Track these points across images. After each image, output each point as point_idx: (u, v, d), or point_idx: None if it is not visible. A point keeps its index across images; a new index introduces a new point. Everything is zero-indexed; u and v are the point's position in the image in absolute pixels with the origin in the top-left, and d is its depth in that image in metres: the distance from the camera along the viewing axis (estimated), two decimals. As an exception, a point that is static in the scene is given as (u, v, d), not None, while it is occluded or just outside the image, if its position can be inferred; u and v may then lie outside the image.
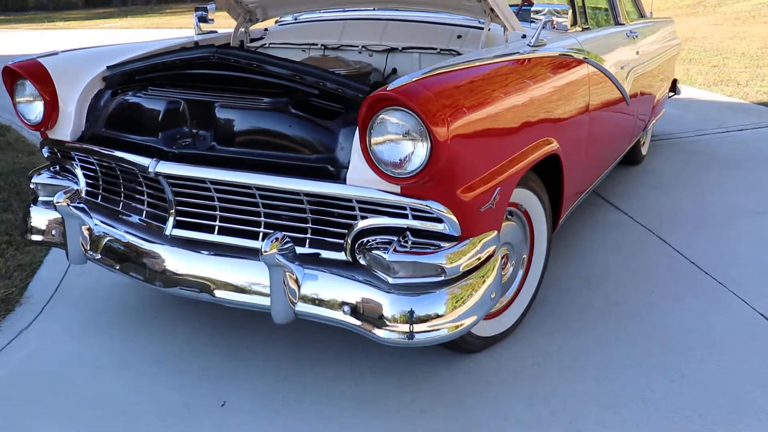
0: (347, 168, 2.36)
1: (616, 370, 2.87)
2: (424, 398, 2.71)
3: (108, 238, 2.83)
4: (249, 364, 2.94)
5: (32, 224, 3.13)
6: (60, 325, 3.28)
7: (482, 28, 3.40)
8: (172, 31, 18.17)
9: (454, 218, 2.30)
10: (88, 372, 2.92)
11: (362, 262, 2.40)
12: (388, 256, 2.28)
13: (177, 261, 2.61)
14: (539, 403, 2.68)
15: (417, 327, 2.31)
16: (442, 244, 2.35)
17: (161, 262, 2.63)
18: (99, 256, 2.85)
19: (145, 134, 2.78)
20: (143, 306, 3.43)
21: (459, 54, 3.33)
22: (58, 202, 2.81)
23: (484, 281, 2.44)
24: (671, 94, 6.19)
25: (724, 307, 3.39)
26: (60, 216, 2.99)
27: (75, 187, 3.07)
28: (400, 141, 2.19)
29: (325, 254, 2.48)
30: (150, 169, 2.55)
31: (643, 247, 4.14)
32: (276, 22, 4.20)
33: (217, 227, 2.60)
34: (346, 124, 2.43)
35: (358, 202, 2.36)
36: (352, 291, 2.38)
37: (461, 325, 2.36)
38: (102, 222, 2.89)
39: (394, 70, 3.53)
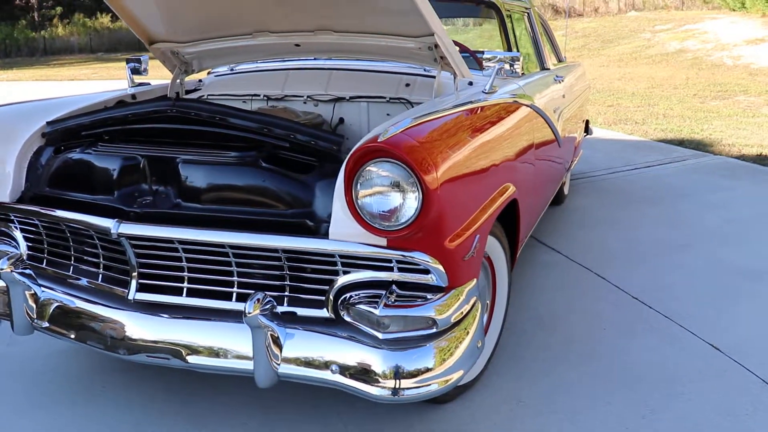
0: (327, 222, 2.30)
1: (587, 410, 2.90)
2: (404, 454, 2.63)
3: (59, 306, 2.63)
4: (215, 430, 2.77)
5: (-35, 293, 2.86)
6: (3, 400, 2.99)
7: (429, 76, 3.44)
8: (62, 83, 17.51)
9: (442, 268, 2.28)
10: (36, 454, 2.67)
11: (346, 318, 2.33)
12: (378, 311, 2.22)
13: (143, 327, 2.44)
14: (519, 449, 2.66)
15: (408, 382, 2.26)
16: (428, 295, 2.32)
17: (125, 328, 2.46)
18: (49, 325, 2.64)
19: (98, 193, 2.62)
20: (88, 374, 3.20)
21: (410, 102, 3.35)
22: (1, 269, 2.58)
23: (468, 332, 2.42)
24: (585, 134, 6.48)
25: (674, 339, 3.51)
26: (2, 284, 2.77)
27: (14, 251, 2.84)
28: (389, 193, 2.16)
29: (305, 312, 2.39)
30: (112, 231, 2.39)
31: (586, 286, 4.25)
32: (208, 73, 4.09)
33: (185, 289, 2.46)
34: (322, 177, 2.38)
35: (341, 256, 2.29)
36: (339, 349, 2.30)
37: (451, 378, 2.33)
38: (50, 288, 2.68)
39: (341, 120, 3.51)
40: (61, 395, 3.03)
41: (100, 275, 2.61)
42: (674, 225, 5.35)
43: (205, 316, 2.45)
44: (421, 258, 2.25)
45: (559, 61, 5.66)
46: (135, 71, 3.70)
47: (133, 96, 3.52)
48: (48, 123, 2.93)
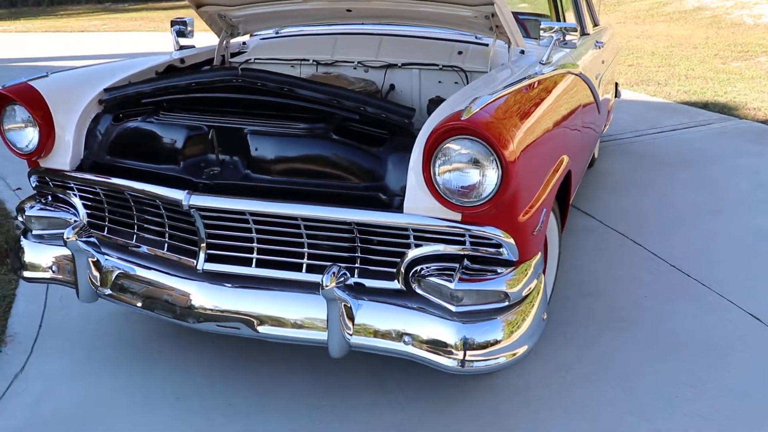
0: (400, 195, 2.32)
1: (636, 377, 2.96)
2: (464, 420, 2.70)
3: (124, 274, 2.66)
4: (276, 396, 2.84)
5: (27, 260, 2.90)
6: (57, 365, 3.06)
7: (481, 44, 3.42)
8: (73, 34, 17.24)
9: (514, 243, 2.30)
10: (103, 415, 2.74)
11: (417, 290, 2.36)
12: (453, 285, 2.26)
13: (213, 297, 2.48)
14: (576, 415, 2.73)
15: (478, 355, 2.31)
16: (499, 269, 2.35)
17: (194, 298, 2.50)
18: (114, 293, 2.68)
19: (162, 162, 2.62)
20: (142, 338, 3.25)
21: (462, 70, 3.33)
22: (68, 238, 2.61)
23: (533, 305, 2.46)
24: (615, 97, 6.43)
25: (713, 308, 3.55)
26: (59, 250, 2.82)
27: (73, 219, 2.87)
28: (469, 169, 2.17)
29: (375, 283, 2.42)
30: (184, 202, 2.40)
31: (623, 252, 4.28)
32: (250, 35, 4.05)
33: (254, 260, 2.49)
34: (394, 150, 2.38)
35: (414, 230, 2.31)
36: (411, 321, 2.34)
37: (518, 351, 2.38)
38: (115, 256, 2.71)
39: (392, 87, 3.49)
40: (121, 359, 3.09)
41: (166, 244, 2.63)
42: (705, 190, 5.35)
43: (273, 286, 2.48)
44: (494, 233, 2.27)
45: (595, 24, 5.59)
46: (180, 34, 3.67)
47: (181, 60, 3.49)
48: (105, 90, 2.92)
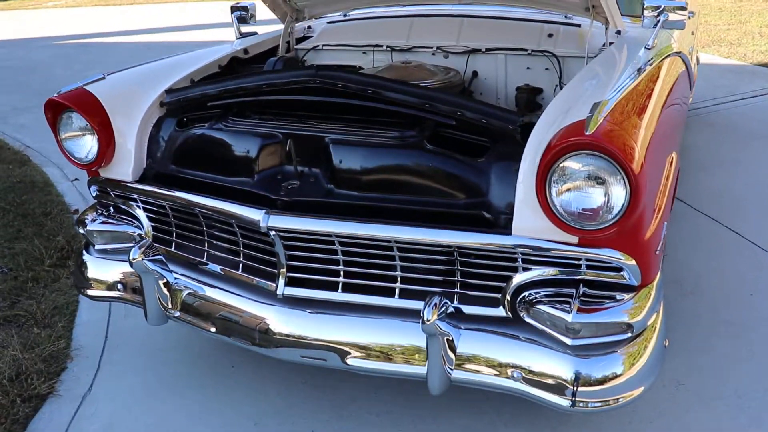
0: (507, 213, 2.04)
1: (754, 394, 2.66)
2: (571, 450, 2.44)
3: (195, 296, 2.45)
4: (361, 422, 2.61)
5: (91, 277, 2.71)
6: (126, 383, 2.89)
7: (572, 24, 3.08)
8: (123, 7, 17.05)
9: (636, 265, 2.01)
10: (180, 446, 2.55)
11: (526, 318, 2.09)
12: (571, 318, 1.98)
13: (296, 324, 2.26)
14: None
15: (595, 392, 2.05)
16: (618, 295, 2.06)
17: (274, 325, 2.27)
18: (185, 316, 2.47)
19: (233, 174, 2.38)
20: (211, 350, 3.06)
21: (554, 56, 2.99)
22: (134, 259, 2.40)
23: (655, 330, 2.17)
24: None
25: (833, 309, 3.21)
26: (125, 267, 2.62)
27: (137, 232, 2.66)
28: (591, 188, 1.87)
29: (476, 310, 2.16)
30: (261, 224, 2.16)
31: (719, 242, 3.92)
32: (315, 19, 3.73)
33: (341, 284, 2.24)
34: (497, 161, 2.10)
35: (523, 253, 2.03)
36: (521, 353, 2.10)
37: (638, 390, 2.09)
38: (184, 275, 2.50)
39: (475, 74, 3.17)
40: (192, 377, 2.91)
41: (240, 264, 2.40)
42: (803, 167, 4.93)
43: (360, 312, 2.24)
44: (615, 256, 1.99)
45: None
46: (242, 20, 3.41)
47: (245, 51, 3.23)
48: (167, 91, 2.68)
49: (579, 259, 2.01)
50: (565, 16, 3.13)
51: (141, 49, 10.70)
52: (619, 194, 1.85)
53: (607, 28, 2.88)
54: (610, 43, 2.87)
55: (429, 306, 2.00)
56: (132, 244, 2.66)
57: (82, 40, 11.94)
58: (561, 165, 1.86)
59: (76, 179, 5.07)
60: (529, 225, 2.00)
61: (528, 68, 3.07)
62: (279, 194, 2.24)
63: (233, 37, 3.49)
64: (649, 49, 2.72)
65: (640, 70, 2.38)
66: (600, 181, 1.86)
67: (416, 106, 2.18)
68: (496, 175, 2.08)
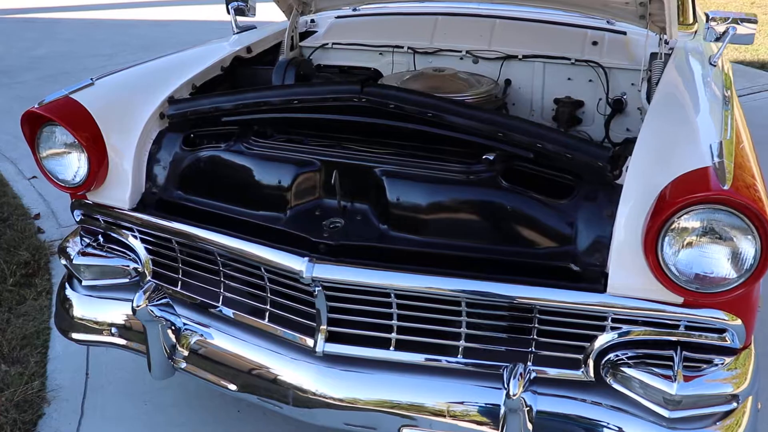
0: (598, 266, 1.76)
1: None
2: None
3: (212, 347, 2.08)
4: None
5: (77, 318, 2.31)
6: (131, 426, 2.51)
7: (616, 32, 2.79)
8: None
9: (742, 326, 1.74)
10: None
11: (614, 384, 1.81)
12: (675, 390, 1.70)
13: (340, 386, 1.92)
14: None
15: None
16: (717, 359, 1.80)
17: (312, 385, 1.93)
18: (199, 371, 2.11)
19: (259, 208, 2.02)
20: (212, 394, 2.69)
21: (600, 66, 2.69)
22: (138, 306, 2.02)
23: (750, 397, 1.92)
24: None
25: None
26: (120, 306, 2.24)
27: (132, 265, 2.27)
28: (716, 248, 1.59)
29: (552, 372, 1.86)
30: (305, 274, 1.81)
31: None
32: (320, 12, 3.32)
33: (393, 341, 1.91)
34: (586, 204, 1.80)
35: (615, 312, 1.75)
36: (606, 422, 1.80)
37: None
38: (198, 323, 2.13)
39: (508, 82, 2.85)
40: (185, 422, 2.54)
41: (267, 314, 2.04)
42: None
43: (412, 372, 1.92)
44: (719, 317, 1.72)
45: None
46: (239, 12, 3.00)
47: (248, 49, 2.83)
48: (169, 101, 2.28)
49: (679, 320, 1.74)
50: (608, 22, 2.83)
51: (88, 26, 10.01)
52: (748, 254, 1.58)
53: (661, 38, 2.60)
54: (666, 55, 2.58)
55: (514, 377, 1.69)
56: (127, 279, 2.30)
57: (24, 15, 11.08)
58: (680, 221, 1.57)
59: (34, 177, 4.55)
60: (627, 282, 1.71)
61: (569, 79, 2.77)
62: (321, 236, 1.88)
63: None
64: (714, 65, 2.46)
65: (725, 98, 2.12)
66: (727, 240, 1.58)
67: (488, 135, 1.85)
68: (585, 221, 1.78)
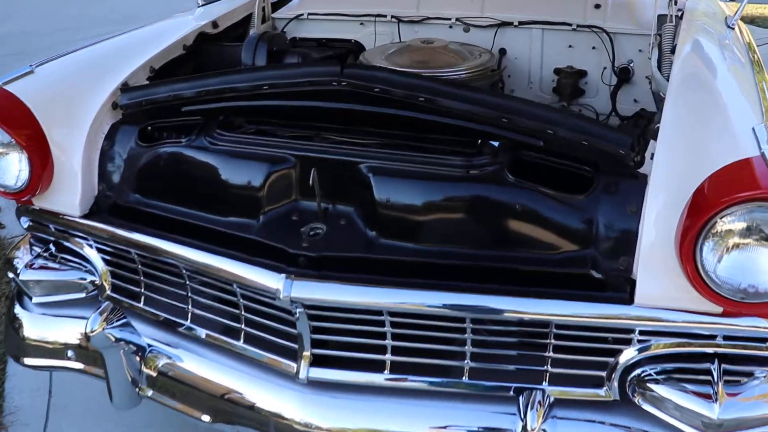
0: (621, 271, 1.51)
1: None
2: None
3: (183, 373, 1.83)
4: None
5: (28, 340, 2.04)
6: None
7: None
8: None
9: (787, 335, 1.51)
10: None
11: (643, 404, 1.58)
12: (717, 414, 1.47)
13: (329, 414, 1.67)
14: None
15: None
16: (758, 371, 1.57)
17: (296, 414, 1.68)
18: (167, 400, 1.85)
19: (227, 213, 1.75)
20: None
21: (604, 31, 2.42)
22: (92, 332, 1.77)
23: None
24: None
25: None
26: (77, 325, 1.97)
27: (89, 278, 2.00)
28: (763, 251, 1.35)
29: (571, 391, 1.63)
30: (282, 294, 1.55)
31: None
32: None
33: (388, 364, 1.66)
34: (606, 199, 1.54)
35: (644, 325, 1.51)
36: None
37: None
38: (165, 343, 1.87)
39: (503, 51, 2.57)
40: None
41: (242, 334, 1.78)
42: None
43: (405, 397, 1.68)
44: (764, 325, 1.48)
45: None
46: (204, -18, 2.70)
47: (214, 24, 2.52)
48: (122, 89, 1.99)
49: (717, 332, 1.51)
50: (608, -21, 2.57)
51: (53, 3, 9.56)
52: None
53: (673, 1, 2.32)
54: (675, 17, 2.31)
55: (531, 407, 1.45)
56: (83, 294, 2.03)
57: None
58: (723, 223, 1.32)
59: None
60: (658, 291, 1.47)
61: (570, 46, 2.50)
62: (300, 246, 1.62)
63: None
64: (732, 28, 2.20)
65: (753, 66, 1.86)
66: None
67: (490, 121, 1.59)
68: (606, 219, 1.53)
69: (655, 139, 1.57)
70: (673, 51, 2.08)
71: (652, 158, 1.53)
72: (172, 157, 1.83)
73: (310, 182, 1.60)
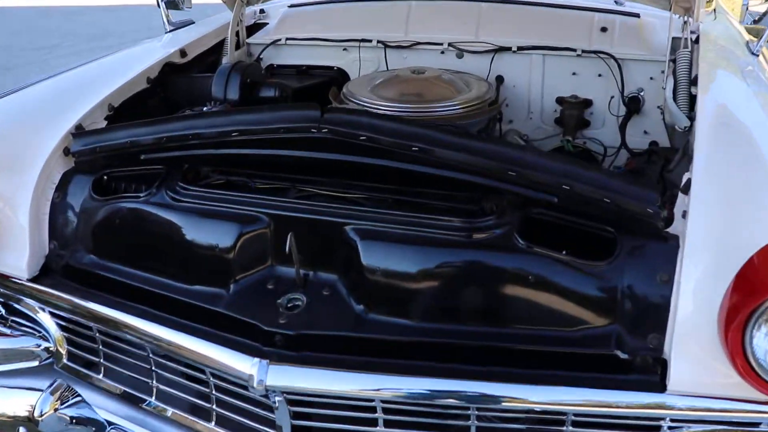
0: (650, 350, 1.29)
1: None
2: None
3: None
4: None
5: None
6: None
7: (628, 14, 2.33)
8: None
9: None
10: None
11: None
12: None
13: None
14: None
15: None
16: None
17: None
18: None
19: (192, 281, 1.53)
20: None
21: (612, 58, 2.21)
22: (41, 417, 1.54)
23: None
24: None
25: None
26: (29, 397, 1.74)
27: (42, 345, 1.77)
28: None
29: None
30: (255, 382, 1.33)
31: None
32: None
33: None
34: (632, 266, 1.33)
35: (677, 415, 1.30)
36: None
37: None
38: (128, 419, 1.65)
39: (500, 80, 2.36)
40: None
41: (214, 415, 1.55)
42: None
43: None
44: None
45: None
46: (171, 5, 2.48)
47: (182, 53, 2.30)
48: (74, 134, 1.76)
49: (761, 420, 1.30)
50: (615, 2, 2.36)
51: (36, 15, 9.31)
52: None
53: (685, 21, 2.12)
54: (691, 41, 2.11)
55: None
56: (36, 363, 1.79)
57: None
58: None
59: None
60: (695, 376, 1.26)
61: (574, 74, 2.30)
62: (276, 322, 1.39)
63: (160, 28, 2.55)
64: (756, 55, 2.00)
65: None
66: None
67: (496, 174, 1.37)
68: (632, 289, 1.31)
69: (686, 192, 1.36)
70: (691, 81, 1.88)
71: (684, 217, 1.32)
72: (130, 214, 1.61)
73: (287, 249, 1.38)
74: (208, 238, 1.50)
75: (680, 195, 1.38)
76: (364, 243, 1.38)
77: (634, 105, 2.23)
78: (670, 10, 2.11)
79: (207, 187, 1.58)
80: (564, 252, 1.34)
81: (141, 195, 1.61)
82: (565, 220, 1.40)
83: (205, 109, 2.00)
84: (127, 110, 1.99)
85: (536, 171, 1.36)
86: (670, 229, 1.35)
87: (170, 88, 2.19)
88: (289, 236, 1.38)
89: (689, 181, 1.37)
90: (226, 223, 1.49)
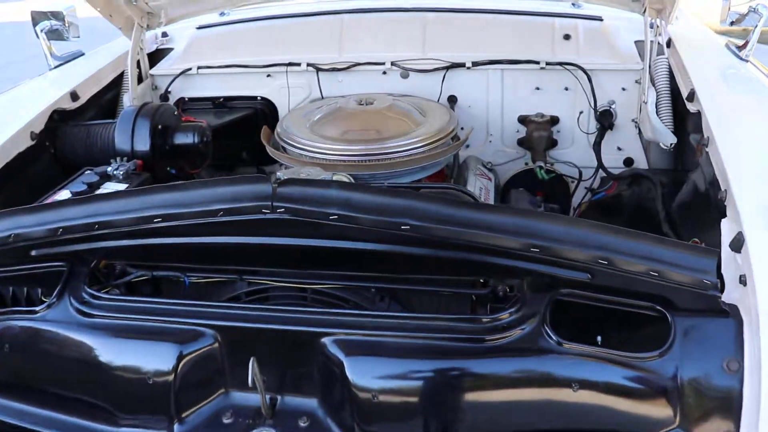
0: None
1: None
2: None
3: None
4: None
5: None
6: None
7: (591, 18, 2.08)
8: None
9: None
10: None
11: None
12: None
13: None
14: None
15: None
16: None
17: None
18: None
19: (122, 423, 1.16)
20: None
21: (581, 68, 1.95)
22: None
23: None
24: None
25: None
26: None
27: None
28: None
29: None
30: None
31: None
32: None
33: None
34: (691, 350, 1.05)
35: None
36: None
37: None
38: None
39: (452, 100, 2.06)
40: None
41: None
42: None
43: None
44: None
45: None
46: (54, 35, 2.03)
47: (74, 96, 1.87)
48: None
49: None
50: (573, 4, 2.11)
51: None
52: None
53: (657, 27, 1.88)
54: (660, 46, 1.87)
55: None
56: None
57: None
58: None
59: None
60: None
61: (537, 88, 2.02)
62: None
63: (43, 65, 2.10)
64: (746, 61, 1.78)
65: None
66: None
67: (514, 253, 1.06)
68: (694, 383, 1.04)
69: (738, 251, 1.09)
70: (687, 95, 1.64)
71: (742, 283, 1.06)
72: (23, 335, 1.21)
73: (249, 381, 1.02)
74: (136, 363, 1.13)
75: (727, 251, 1.12)
76: (351, 360, 1.05)
77: (605, 119, 1.98)
78: (644, 13, 1.85)
79: (126, 292, 1.20)
80: (598, 338, 1.06)
81: (36, 309, 1.21)
82: (597, 298, 1.11)
83: (109, 169, 1.59)
84: (7, 179, 1.57)
85: (565, 244, 1.06)
86: (724, 298, 1.08)
87: (62, 143, 1.77)
88: (251, 362, 1.03)
89: (740, 236, 1.11)
90: (159, 343, 1.12)
